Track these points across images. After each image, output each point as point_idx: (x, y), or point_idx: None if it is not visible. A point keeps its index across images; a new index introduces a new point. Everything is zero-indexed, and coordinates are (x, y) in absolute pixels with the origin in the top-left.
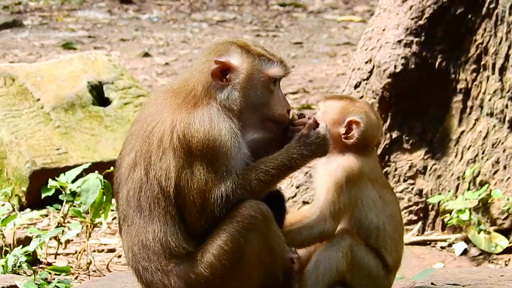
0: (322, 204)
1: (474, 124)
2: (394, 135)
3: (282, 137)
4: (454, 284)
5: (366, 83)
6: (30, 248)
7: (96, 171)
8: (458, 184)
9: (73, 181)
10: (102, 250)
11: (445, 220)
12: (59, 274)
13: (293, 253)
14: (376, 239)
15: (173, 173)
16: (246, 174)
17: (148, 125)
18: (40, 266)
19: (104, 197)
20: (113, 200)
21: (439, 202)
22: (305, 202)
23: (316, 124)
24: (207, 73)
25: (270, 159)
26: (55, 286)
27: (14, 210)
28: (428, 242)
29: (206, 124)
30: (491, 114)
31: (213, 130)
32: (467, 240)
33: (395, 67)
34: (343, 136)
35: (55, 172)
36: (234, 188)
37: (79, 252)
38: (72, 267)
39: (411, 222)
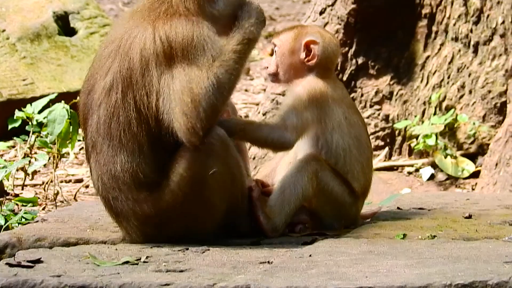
0: (284, 115)
1: (440, 49)
2: (360, 60)
3: None
4: (420, 208)
5: (331, 9)
6: None
7: (63, 101)
8: (424, 109)
9: (39, 112)
10: (70, 181)
11: (412, 145)
12: (26, 205)
13: (250, 182)
14: (343, 163)
15: (156, 84)
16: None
17: (126, 42)
18: (7, 197)
19: (71, 127)
20: (80, 130)
21: (405, 127)
22: None
23: None
24: None
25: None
26: (22, 217)
27: None
28: (395, 168)
29: (188, 26)
30: (456, 39)
31: (194, 28)
32: (434, 165)
33: None
34: (305, 60)
35: (22, 103)
36: (219, 75)
37: (46, 183)
38: (39, 198)
39: (378, 148)
